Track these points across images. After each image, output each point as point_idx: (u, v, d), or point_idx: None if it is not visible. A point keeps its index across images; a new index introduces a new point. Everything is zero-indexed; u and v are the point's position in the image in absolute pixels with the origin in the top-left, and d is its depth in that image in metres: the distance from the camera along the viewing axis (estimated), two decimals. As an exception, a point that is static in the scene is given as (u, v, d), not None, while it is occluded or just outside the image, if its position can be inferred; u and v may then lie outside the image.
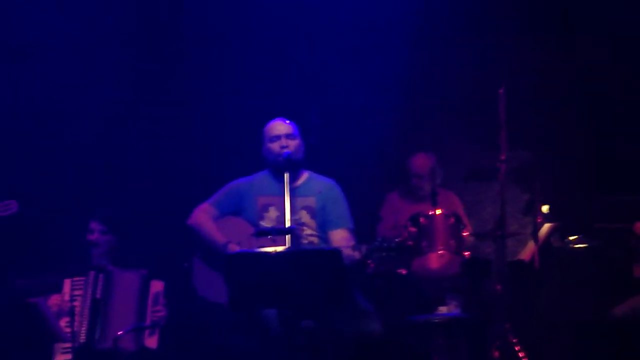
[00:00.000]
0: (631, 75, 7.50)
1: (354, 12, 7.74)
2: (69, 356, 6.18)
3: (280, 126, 6.14)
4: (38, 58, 7.48)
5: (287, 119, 6.21)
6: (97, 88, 7.58)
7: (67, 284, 6.36)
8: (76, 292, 6.34)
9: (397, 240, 5.63)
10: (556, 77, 7.63)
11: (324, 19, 7.74)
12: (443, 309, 6.41)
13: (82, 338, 6.23)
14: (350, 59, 7.82)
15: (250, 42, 7.78)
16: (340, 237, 6.02)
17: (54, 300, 6.33)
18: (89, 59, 7.59)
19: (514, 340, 6.78)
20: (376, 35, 7.82)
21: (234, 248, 5.84)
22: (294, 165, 6.03)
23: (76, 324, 6.21)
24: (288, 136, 6.09)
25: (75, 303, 6.27)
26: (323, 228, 6.11)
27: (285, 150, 6.00)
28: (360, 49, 7.80)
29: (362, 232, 6.28)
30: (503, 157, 6.79)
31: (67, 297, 6.31)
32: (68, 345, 6.20)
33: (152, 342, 6.35)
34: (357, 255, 5.68)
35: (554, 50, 7.62)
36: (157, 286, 6.42)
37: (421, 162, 7.31)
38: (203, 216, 6.10)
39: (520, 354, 6.75)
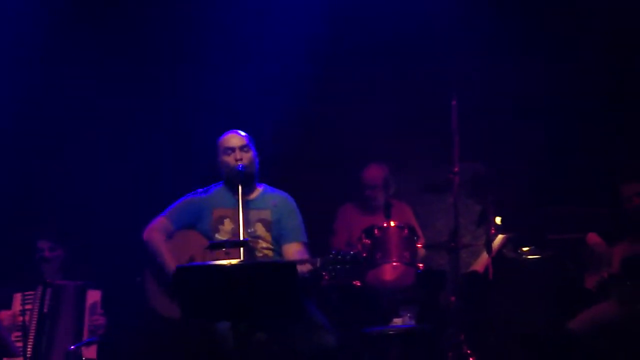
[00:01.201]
0: (584, 85, 7.55)
1: (308, 23, 7.75)
2: None
3: (234, 139, 6.10)
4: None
5: (241, 131, 6.18)
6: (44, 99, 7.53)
7: (17, 298, 6.39)
8: (27, 307, 6.34)
9: (351, 252, 5.62)
10: (508, 89, 7.67)
11: (279, 29, 7.74)
12: (398, 321, 6.42)
13: (29, 353, 6.20)
14: (304, 68, 7.82)
15: (204, 53, 7.75)
16: (294, 250, 6.00)
17: (4, 315, 6.30)
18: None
19: (468, 351, 6.81)
20: (329, 47, 7.83)
21: None
22: (248, 178, 6.01)
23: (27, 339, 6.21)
24: (242, 148, 6.05)
25: (26, 317, 6.25)
26: (278, 241, 6.08)
27: (239, 163, 5.98)
28: (318, 59, 7.80)
29: (316, 245, 6.26)
30: (456, 169, 6.82)
31: (17, 311, 6.29)
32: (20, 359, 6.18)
33: (91, 353, 6.40)
34: (311, 268, 5.67)
35: (506, 61, 7.65)
36: (94, 296, 6.45)
37: (374, 172, 7.32)
38: (157, 234, 6.02)
39: (474, 365, 6.80)
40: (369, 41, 7.82)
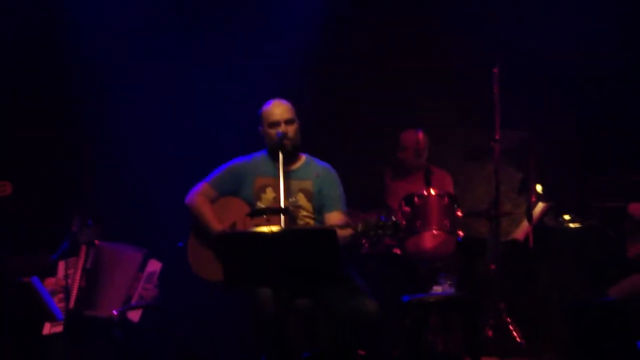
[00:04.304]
0: (627, 54, 7.47)
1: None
2: (61, 328, 6.25)
3: (278, 109, 6.06)
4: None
5: (284, 100, 6.15)
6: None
7: (61, 265, 6.47)
8: (70, 271, 6.42)
9: (392, 219, 5.63)
10: (551, 55, 7.60)
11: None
12: (437, 289, 6.41)
13: (71, 305, 6.31)
14: (345, 33, 7.80)
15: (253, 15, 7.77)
16: (335, 218, 6.01)
17: (48, 282, 6.39)
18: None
19: (508, 320, 6.82)
20: (370, 11, 7.81)
21: None
22: (292, 151, 6.02)
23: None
24: (287, 122, 6.03)
25: (69, 280, 6.36)
26: (319, 211, 6.09)
27: (283, 136, 5.96)
28: (359, 23, 7.78)
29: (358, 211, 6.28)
30: (497, 137, 6.81)
31: (61, 276, 6.39)
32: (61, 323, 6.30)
33: (135, 315, 6.49)
34: (352, 233, 5.68)
35: (550, 25, 7.59)
36: (154, 265, 6.55)
37: (409, 136, 7.34)
38: (201, 198, 6.08)
39: (514, 333, 6.79)
40: (411, 6, 7.79)
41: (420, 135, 7.30)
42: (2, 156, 7.30)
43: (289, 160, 6.01)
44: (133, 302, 6.52)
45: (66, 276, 6.37)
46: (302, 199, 6.08)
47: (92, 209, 6.77)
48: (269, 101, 6.15)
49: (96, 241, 6.56)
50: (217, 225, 5.95)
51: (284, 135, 5.96)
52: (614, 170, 7.19)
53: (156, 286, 6.58)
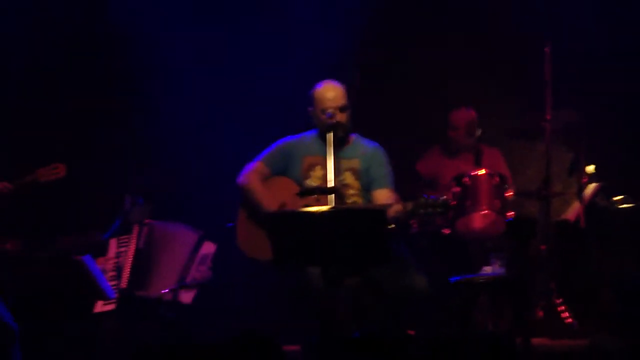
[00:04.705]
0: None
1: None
2: (112, 307, 6.32)
3: (330, 93, 6.04)
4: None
5: (336, 83, 6.13)
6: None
7: (112, 243, 6.53)
8: (121, 249, 6.48)
9: (443, 198, 5.62)
10: (603, 34, 7.53)
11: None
12: (487, 269, 6.38)
13: (124, 284, 6.35)
14: (391, 13, 7.78)
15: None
16: (383, 196, 6.02)
17: (101, 261, 6.45)
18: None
19: (558, 301, 6.77)
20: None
21: None
22: (344, 137, 6.04)
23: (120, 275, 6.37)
24: (340, 109, 6.03)
25: (120, 259, 6.41)
26: (366, 189, 6.11)
27: (337, 130, 5.94)
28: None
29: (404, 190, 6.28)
30: (548, 117, 6.76)
31: (112, 255, 6.45)
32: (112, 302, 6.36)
33: (187, 297, 6.53)
34: (402, 211, 5.68)
35: (601, 4, 7.51)
36: (208, 247, 6.59)
37: (459, 114, 7.31)
38: (254, 176, 6.11)
39: (565, 314, 6.75)
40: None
41: (472, 113, 7.27)
42: (56, 138, 7.39)
43: (339, 143, 6.01)
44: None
45: (117, 255, 6.44)
46: (349, 178, 6.09)
47: (143, 188, 6.83)
48: (321, 82, 6.14)
49: (147, 220, 6.61)
50: (267, 204, 5.97)
51: (334, 115, 5.96)
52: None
53: (210, 268, 6.61)
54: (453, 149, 7.37)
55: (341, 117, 6.01)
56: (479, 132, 7.29)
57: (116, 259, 6.43)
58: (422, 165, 7.44)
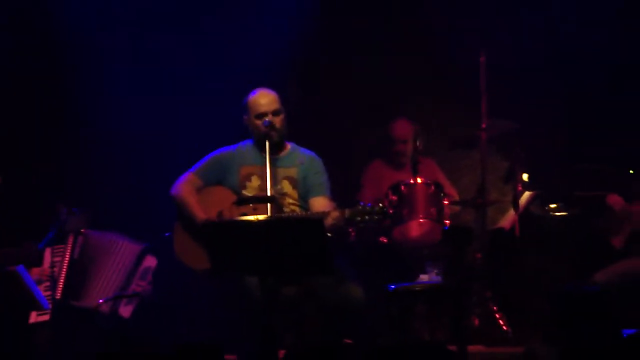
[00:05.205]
0: (615, 45, 7.48)
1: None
2: (47, 317, 6.24)
3: (264, 99, 6.06)
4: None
5: (270, 90, 6.13)
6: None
7: (47, 253, 6.43)
8: (56, 259, 6.40)
9: (379, 205, 5.64)
10: (537, 44, 7.61)
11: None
12: (424, 277, 6.41)
13: (58, 294, 6.30)
14: (331, 22, 7.79)
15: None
16: (320, 203, 6.03)
17: (35, 271, 6.36)
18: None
19: (494, 308, 6.83)
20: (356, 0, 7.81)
21: None
22: (279, 141, 6.03)
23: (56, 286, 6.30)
24: (274, 113, 6.03)
25: (55, 269, 6.34)
26: (304, 198, 6.11)
27: (271, 132, 5.95)
28: (346, 11, 7.78)
29: (344, 202, 6.27)
30: (484, 125, 6.82)
31: (47, 265, 6.37)
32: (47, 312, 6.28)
33: (126, 311, 6.46)
34: (339, 217, 5.69)
35: (534, 15, 7.59)
36: (150, 261, 6.51)
37: (403, 128, 7.30)
38: (186, 188, 6.10)
39: (500, 322, 6.81)
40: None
41: (415, 126, 7.28)
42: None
43: (275, 150, 6.02)
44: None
45: (52, 265, 6.36)
46: (287, 186, 6.09)
47: (78, 198, 6.75)
48: (254, 91, 6.15)
49: (83, 230, 6.54)
50: (201, 214, 5.96)
51: (271, 124, 5.96)
52: (601, 158, 7.20)
53: (150, 283, 6.54)
54: (401, 162, 7.34)
55: (276, 121, 6.01)
56: (422, 142, 7.30)
57: (51, 269, 6.35)
58: (367, 180, 7.41)
